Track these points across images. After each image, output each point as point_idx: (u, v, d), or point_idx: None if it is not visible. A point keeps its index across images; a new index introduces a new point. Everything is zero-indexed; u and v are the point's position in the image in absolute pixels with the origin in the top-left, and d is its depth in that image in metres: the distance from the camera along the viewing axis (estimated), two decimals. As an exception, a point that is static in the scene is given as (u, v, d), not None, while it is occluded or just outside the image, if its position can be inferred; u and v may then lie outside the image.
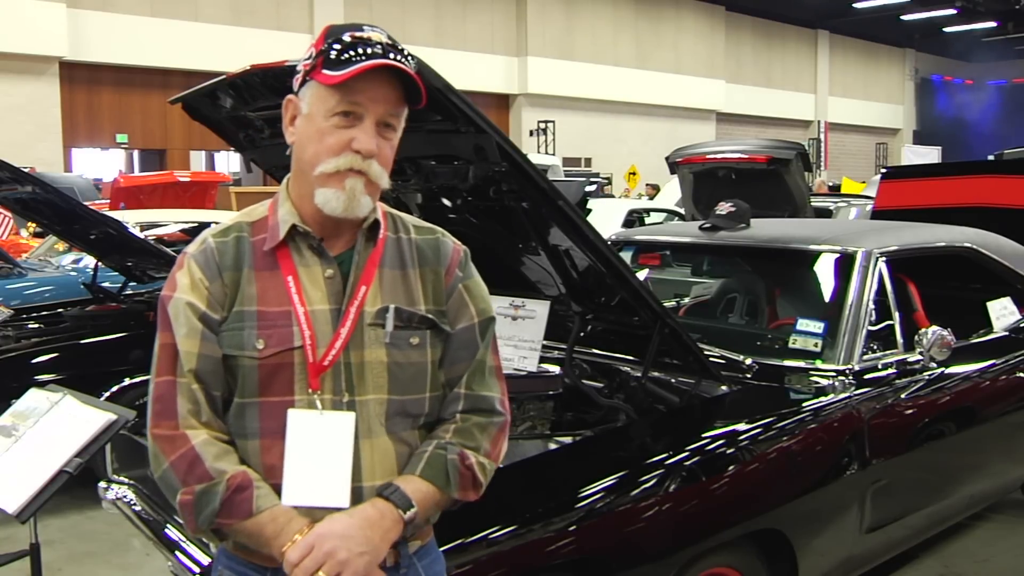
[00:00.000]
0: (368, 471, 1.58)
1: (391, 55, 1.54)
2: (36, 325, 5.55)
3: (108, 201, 11.66)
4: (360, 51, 1.53)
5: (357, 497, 1.56)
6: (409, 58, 1.58)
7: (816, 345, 3.30)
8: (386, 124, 1.58)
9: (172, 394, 1.56)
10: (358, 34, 1.55)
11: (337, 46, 1.54)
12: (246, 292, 1.58)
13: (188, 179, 13.14)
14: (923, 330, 3.38)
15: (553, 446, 2.90)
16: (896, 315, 3.48)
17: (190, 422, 1.55)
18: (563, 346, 3.18)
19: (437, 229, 1.74)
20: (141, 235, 5.81)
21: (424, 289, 1.66)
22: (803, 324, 3.40)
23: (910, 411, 3.33)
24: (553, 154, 21.21)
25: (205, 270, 1.59)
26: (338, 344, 1.57)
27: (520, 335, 3.05)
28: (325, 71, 1.53)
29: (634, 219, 9.89)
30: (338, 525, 1.51)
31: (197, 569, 2.45)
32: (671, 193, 11.51)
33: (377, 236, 1.64)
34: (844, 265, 3.54)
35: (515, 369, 3.01)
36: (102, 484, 3.27)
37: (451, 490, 1.61)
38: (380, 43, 1.54)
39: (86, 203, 6.13)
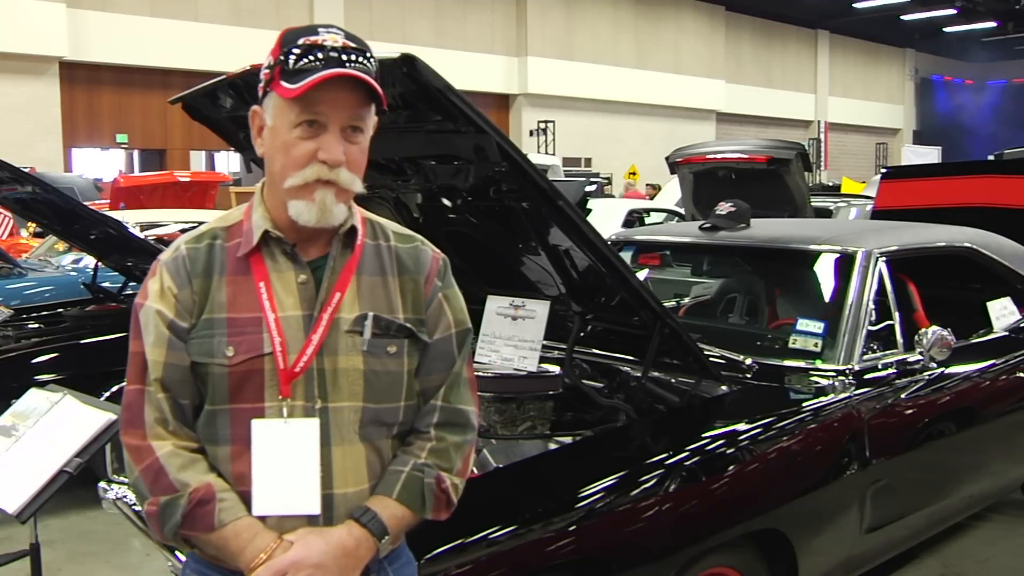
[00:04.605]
0: (340, 478, 1.57)
1: (347, 58, 1.51)
2: (36, 325, 5.55)
3: (108, 201, 11.66)
4: (314, 58, 1.50)
5: (328, 504, 1.55)
6: (368, 59, 1.54)
7: (816, 345, 3.30)
8: (352, 128, 1.55)
9: (140, 403, 1.56)
10: (312, 39, 1.51)
11: (294, 53, 1.51)
12: (215, 299, 1.57)
13: (188, 179, 13.15)
14: (923, 330, 3.37)
15: (553, 446, 2.90)
16: (896, 315, 3.48)
17: (157, 431, 1.55)
18: (563, 346, 3.18)
19: (416, 237, 1.73)
20: (141, 235, 5.82)
21: (403, 297, 1.64)
22: (803, 324, 3.39)
23: (910, 411, 3.33)
24: (553, 154, 21.19)
25: (175, 277, 1.58)
26: (310, 350, 1.55)
27: (520, 335, 3.04)
28: (283, 83, 1.51)
29: (634, 219, 9.90)
30: (314, 553, 1.49)
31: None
32: (671, 193, 11.51)
33: (354, 242, 1.63)
34: (844, 265, 3.54)
35: (515, 369, 3.01)
36: (102, 484, 3.27)
37: (425, 512, 1.61)
38: (335, 47, 1.51)
39: (86, 203, 6.14)
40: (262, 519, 1.54)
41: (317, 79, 1.48)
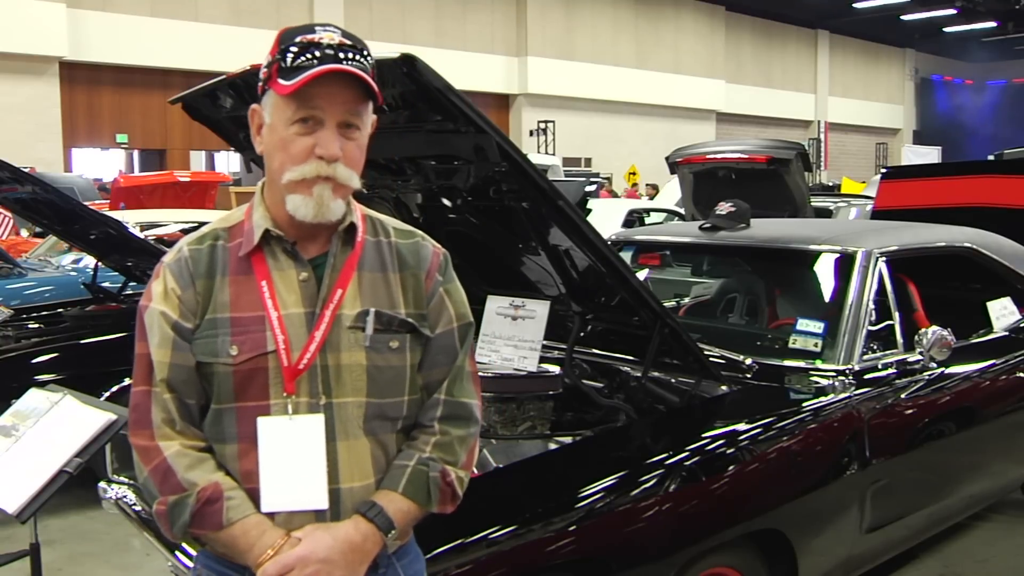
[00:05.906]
0: (346, 473, 1.58)
1: (343, 55, 1.53)
2: (36, 325, 5.55)
3: (108, 201, 11.67)
4: (310, 56, 1.52)
5: (335, 499, 1.57)
6: (365, 57, 1.56)
7: (816, 345, 3.30)
8: (348, 124, 1.57)
9: (147, 404, 1.59)
10: (309, 37, 1.54)
11: (291, 52, 1.53)
12: (219, 299, 1.58)
13: (188, 179, 13.16)
14: (923, 330, 3.37)
15: (553, 446, 2.90)
16: (896, 315, 3.47)
17: (164, 432, 1.57)
18: (563, 346, 3.18)
19: (417, 232, 1.74)
20: (141, 235, 5.82)
21: (404, 293, 1.65)
22: (803, 324, 3.39)
23: (910, 411, 3.33)
24: (553, 154, 21.20)
25: (178, 279, 1.60)
26: (313, 347, 1.57)
27: (520, 335, 3.04)
28: (280, 80, 1.53)
29: (634, 219, 9.90)
30: (321, 548, 1.51)
31: (197, 569, 2.45)
32: (671, 193, 11.51)
33: (354, 239, 1.64)
34: (844, 265, 3.54)
35: (515, 369, 3.01)
36: (102, 484, 3.27)
37: (431, 506, 1.62)
38: (331, 45, 1.53)
39: (86, 203, 6.14)
40: (270, 516, 1.55)
41: (312, 75, 1.50)
